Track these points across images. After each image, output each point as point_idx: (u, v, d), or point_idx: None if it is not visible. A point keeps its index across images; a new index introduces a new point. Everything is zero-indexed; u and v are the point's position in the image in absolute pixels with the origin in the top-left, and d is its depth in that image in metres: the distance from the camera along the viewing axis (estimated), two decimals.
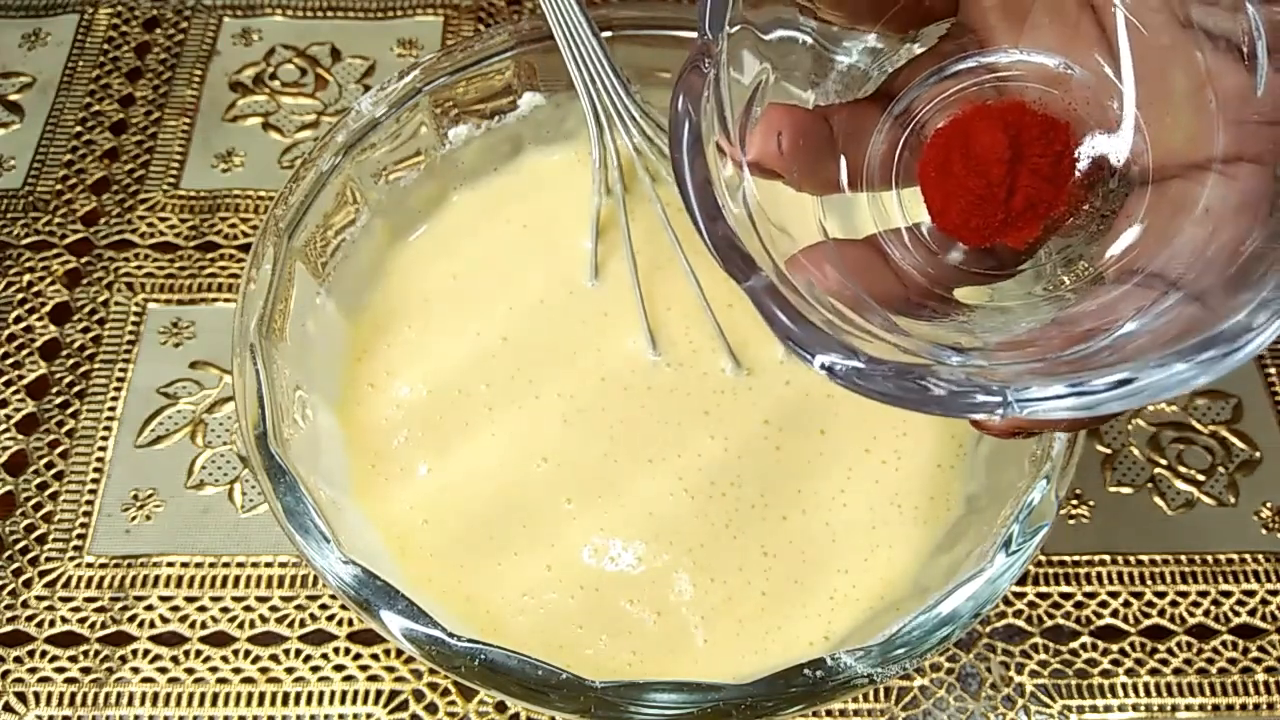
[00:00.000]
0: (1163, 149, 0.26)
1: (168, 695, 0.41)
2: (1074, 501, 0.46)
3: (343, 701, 0.41)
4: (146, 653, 0.42)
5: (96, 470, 0.46)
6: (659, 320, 0.42)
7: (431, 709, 0.41)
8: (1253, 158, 0.24)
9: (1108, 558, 0.45)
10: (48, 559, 0.44)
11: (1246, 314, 0.22)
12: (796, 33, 0.29)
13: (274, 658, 0.42)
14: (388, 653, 0.42)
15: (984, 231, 0.27)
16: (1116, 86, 0.27)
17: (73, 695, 0.42)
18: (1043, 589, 0.44)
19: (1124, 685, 0.42)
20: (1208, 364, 0.21)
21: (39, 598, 0.43)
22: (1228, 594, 0.44)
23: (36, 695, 0.42)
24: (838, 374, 0.23)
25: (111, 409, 0.48)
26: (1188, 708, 0.42)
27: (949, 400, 0.23)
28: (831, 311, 0.26)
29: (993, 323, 0.28)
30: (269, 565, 0.44)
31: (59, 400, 0.48)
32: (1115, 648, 0.43)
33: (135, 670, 0.42)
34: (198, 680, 0.42)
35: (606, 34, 0.42)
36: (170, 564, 0.44)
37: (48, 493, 0.46)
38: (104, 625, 0.43)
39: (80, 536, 0.45)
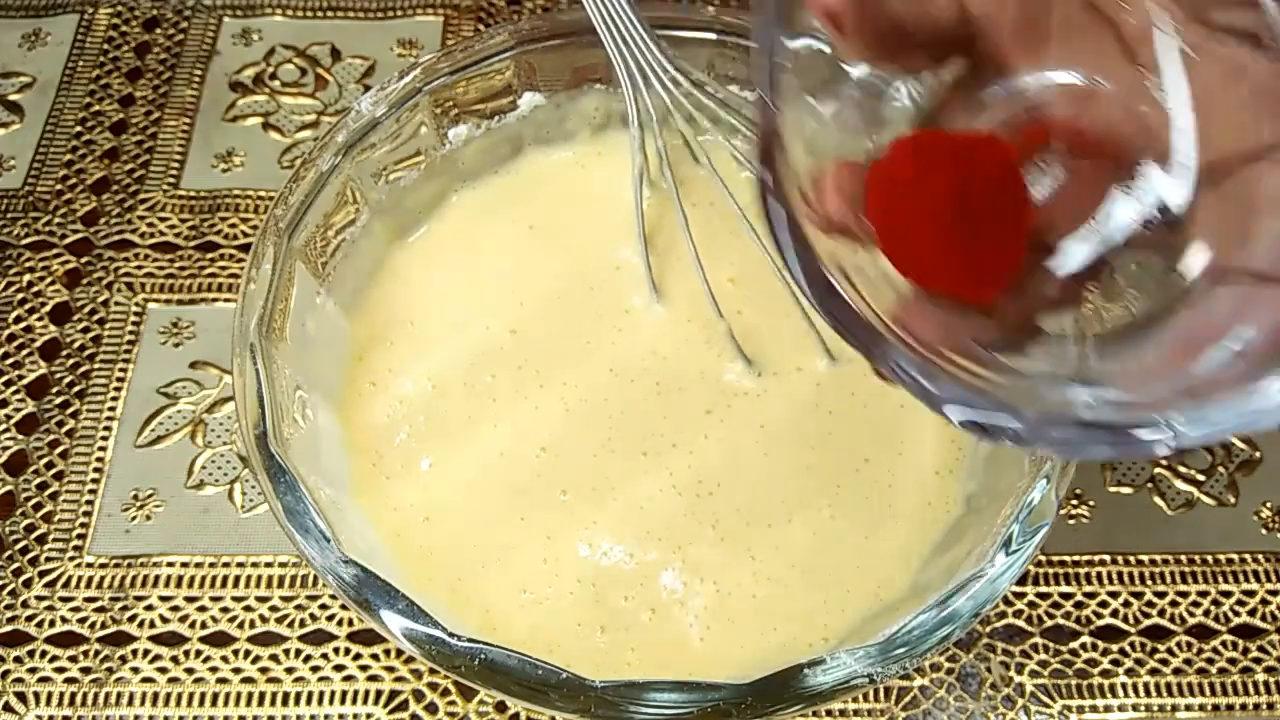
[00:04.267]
0: (1211, 147, 0.26)
1: (168, 695, 0.41)
2: (1074, 501, 0.46)
3: (343, 701, 0.41)
4: (146, 653, 0.42)
5: (96, 470, 0.46)
6: (683, 315, 0.42)
7: (431, 709, 0.41)
8: None
9: (1108, 558, 0.44)
10: (48, 559, 0.44)
11: None
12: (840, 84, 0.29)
13: (274, 658, 0.42)
14: (388, 653, 0.42)
15: (970, 279, 0.27)
16: (1151, 95, 0.26)
17: (73, 695, 0.41)
18: (1043, 589, 0.44)
19: (1124, 685, 0.42)
20: None
21: (39, 598, 0.43)
22: (1228, 594, 0.44)
23: (36, 695, 0.42)
24: (999, 433, 0.23)
25: (111, 409, 0.48)
26: (1188, 708, 0.42)
27: (1112, 441, 0.23)
28: (947, 362, 0.25)
29: (1095, 353, 0.28)
30: (269, 565, 0.44)
31: (59, 400, 0.48)
32: (1115, 648, 0.43)
33: (135, 670, 0.42)
34: (198, 680, 0.42)
35: None
36: (170, 564, 0.44)
37: (48, 493, 0.46)
38: (104, 625, 0.43)
39: (80, 536, 0.45)
